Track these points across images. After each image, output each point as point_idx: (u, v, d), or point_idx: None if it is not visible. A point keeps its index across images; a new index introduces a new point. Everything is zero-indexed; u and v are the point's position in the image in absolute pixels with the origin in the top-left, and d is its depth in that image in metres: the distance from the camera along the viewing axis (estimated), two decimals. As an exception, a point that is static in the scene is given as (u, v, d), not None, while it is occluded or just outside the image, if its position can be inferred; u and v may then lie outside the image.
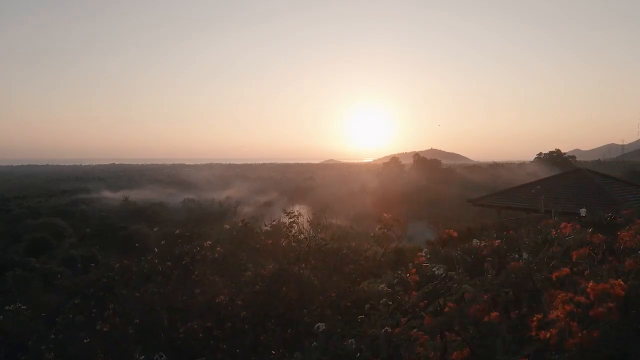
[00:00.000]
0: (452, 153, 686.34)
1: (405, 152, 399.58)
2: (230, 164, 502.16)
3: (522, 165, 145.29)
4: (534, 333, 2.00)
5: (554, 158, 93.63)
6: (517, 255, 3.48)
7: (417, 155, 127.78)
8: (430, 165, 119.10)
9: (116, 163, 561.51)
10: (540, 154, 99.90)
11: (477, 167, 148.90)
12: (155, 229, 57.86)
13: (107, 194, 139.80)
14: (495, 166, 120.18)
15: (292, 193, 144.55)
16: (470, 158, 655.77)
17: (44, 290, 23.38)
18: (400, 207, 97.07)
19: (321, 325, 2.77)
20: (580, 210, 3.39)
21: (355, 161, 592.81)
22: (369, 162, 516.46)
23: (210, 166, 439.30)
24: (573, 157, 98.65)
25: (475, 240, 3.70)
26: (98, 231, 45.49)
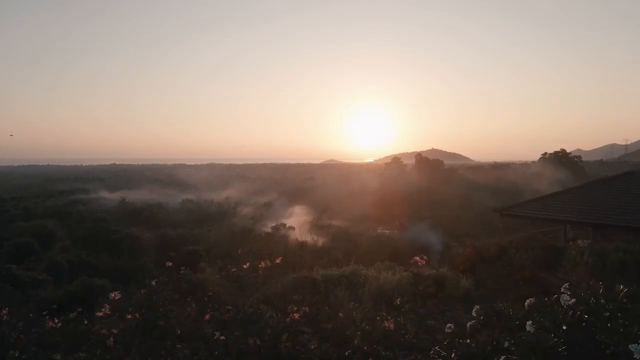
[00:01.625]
0: (453, 153, 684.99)
1: (406, 152, 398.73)
2: (231, 164, 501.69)
3: (526, 165, 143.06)
4: None
5: (559, 158, 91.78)
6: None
7: (419, 156, 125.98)
8: (432, 166, 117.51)
9: (117, 163, 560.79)
10: (545, 153, 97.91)
11: (480, 168, 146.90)
12: (148, 234, 55.80)
13: (105, 194, 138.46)
14: (499, 166, 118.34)
15: (292, 194, 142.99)
16: (472, 158, 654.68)
17: (23, 301, 21.72)
18: (402, 207, 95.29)
19: None
20: None
21: (356, 161, 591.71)
22: (370, 162, 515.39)
23: (210, 166, 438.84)
24: (579, 157, 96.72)
25: (565, 297, 2.15)
26: (90, 234, 44.02)
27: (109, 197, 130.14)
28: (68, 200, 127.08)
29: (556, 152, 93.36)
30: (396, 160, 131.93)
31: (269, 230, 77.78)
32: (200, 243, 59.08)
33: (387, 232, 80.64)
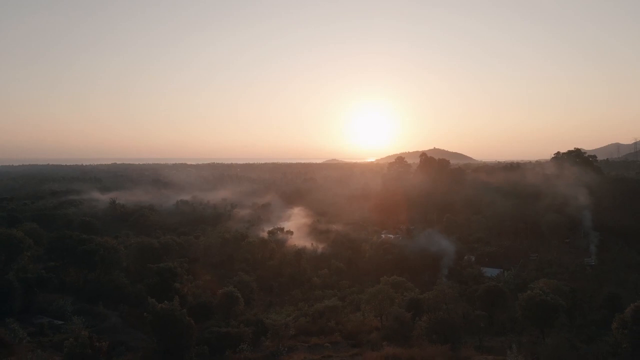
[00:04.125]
0: (456, 153, 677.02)
1: (408, 152, 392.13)
2: (231, 163, 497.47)
3: (538, 165, 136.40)
4: None
5: (573, 158, 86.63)
6: None
7: (424, 155, 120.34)
8: (438, 166, 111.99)
9: (117, 163, 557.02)
10: (558, 153, 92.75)
11: (488, 168, 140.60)
12: (133, 240, 50.14)
13: (97, 195, 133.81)
14: (509, 167, 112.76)
15: (292, 195, 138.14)
16: (474, 158, 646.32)
17: None
18: (407, 210, 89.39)
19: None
20: None
21: (358, 161, 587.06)
22: (372, 162, 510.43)
23: (212, 166, 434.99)
24: (594, 156, 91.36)
25: None
26: (57, 245, 39.08)
27: (102, 198, 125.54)
28: (59, 201, 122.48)
29: (570, 152, 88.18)
30: (400, 160, 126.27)
31: (265, 234, 72.72)
32: (189, 251, 54.24)
33: (392, 236, 75.79)
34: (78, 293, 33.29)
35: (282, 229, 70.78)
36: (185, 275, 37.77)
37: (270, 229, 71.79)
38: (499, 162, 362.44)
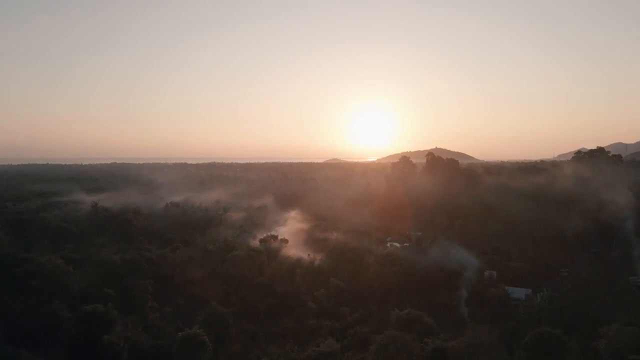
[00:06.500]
0: (458, 152, 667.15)
1: (410, 151, 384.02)
2: (232, 163, 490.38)
3: (557, 165, 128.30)
4: None
5: (595, 157, 79.40)
6: None
7: (430, 155, 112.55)
8: (447, 166, 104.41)
9: (117, 162, 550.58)
10: (579, 152, 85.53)
11: (500, 168, 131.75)
12: (74, 267, 41.06)
13: (85, 197, 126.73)
14: (524, 167, 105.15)
15: (290, 197, 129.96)
16: (477, 157, 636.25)
17: None
18: (413, 214, 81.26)
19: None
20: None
21: (359, 160, 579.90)
22: (373, 162, 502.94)
23: (212, 165, 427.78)
24: (619, 155, 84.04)
25: None
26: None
27: (88, 200, 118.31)
28: (43, 203, 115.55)
29: (592, 151, 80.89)
30: (405, 159, 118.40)
31: (256, 242, 64.86)
32: (163, 267, 47.16)
33: (398, 245, 68.50)
34: (4, 329, 26.30)
35: (275, 237, 63.68)
36: (150, 300, 30.58)
37: (263, 236, 64.69)
38: (502, 161, 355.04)
